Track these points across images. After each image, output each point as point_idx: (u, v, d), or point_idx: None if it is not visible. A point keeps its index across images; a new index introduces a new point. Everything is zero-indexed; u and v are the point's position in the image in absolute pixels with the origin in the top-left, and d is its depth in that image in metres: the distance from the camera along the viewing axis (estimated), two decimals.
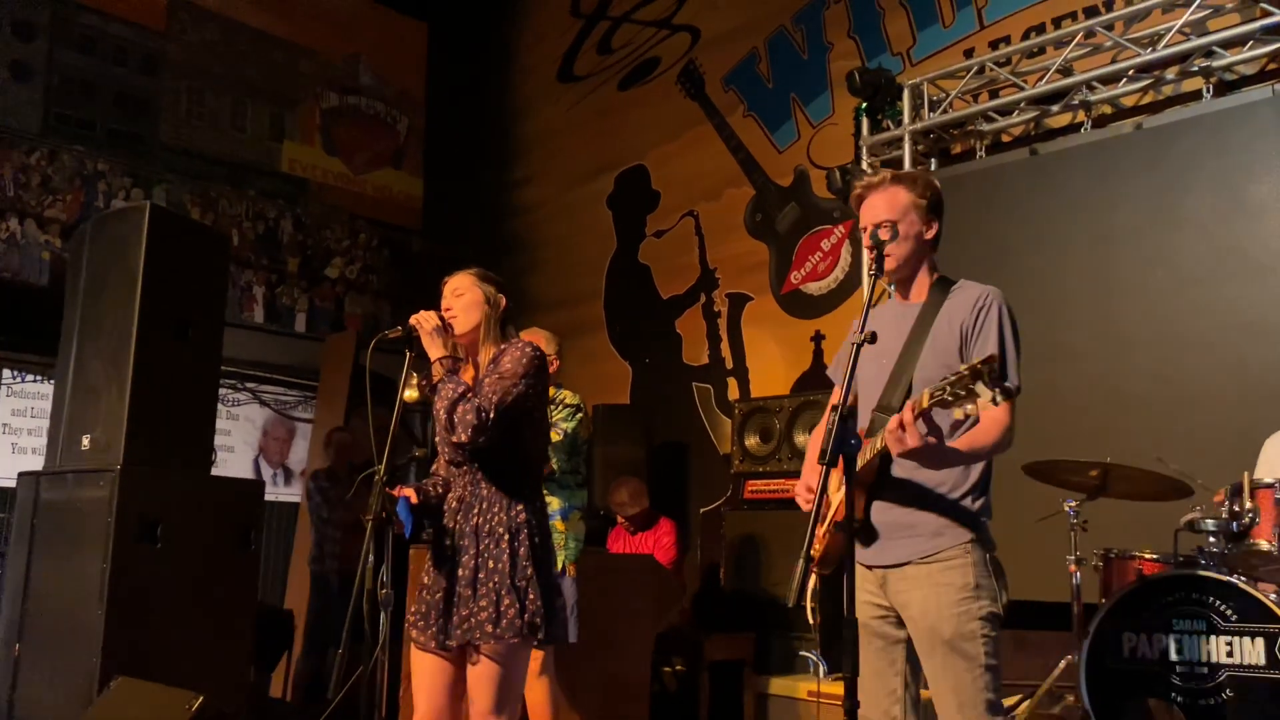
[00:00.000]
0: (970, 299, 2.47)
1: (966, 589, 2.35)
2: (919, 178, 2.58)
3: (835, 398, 2.64)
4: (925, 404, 2.17)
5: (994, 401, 2.05)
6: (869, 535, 2.45)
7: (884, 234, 2.47)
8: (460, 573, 2.63)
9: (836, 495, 2.43)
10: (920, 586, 2.38)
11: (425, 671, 2.69)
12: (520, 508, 2.67)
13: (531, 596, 2.59)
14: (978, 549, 2.40)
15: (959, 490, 2.43)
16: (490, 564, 2.62)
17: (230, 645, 4.04)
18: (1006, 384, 2.08)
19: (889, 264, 2.50)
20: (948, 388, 2.10)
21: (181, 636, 3.80)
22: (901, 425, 2.18)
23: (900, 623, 2.48)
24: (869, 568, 2.48)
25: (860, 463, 2.34)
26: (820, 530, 2.50)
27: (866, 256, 2.55)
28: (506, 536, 2.63)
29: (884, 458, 2.38)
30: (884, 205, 2.52)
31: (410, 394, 2.93)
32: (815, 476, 2.53)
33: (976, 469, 2.45)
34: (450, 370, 2.66)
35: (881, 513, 2.46)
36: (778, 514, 5.52)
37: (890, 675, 2.47)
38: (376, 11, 9.21)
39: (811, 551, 2.53)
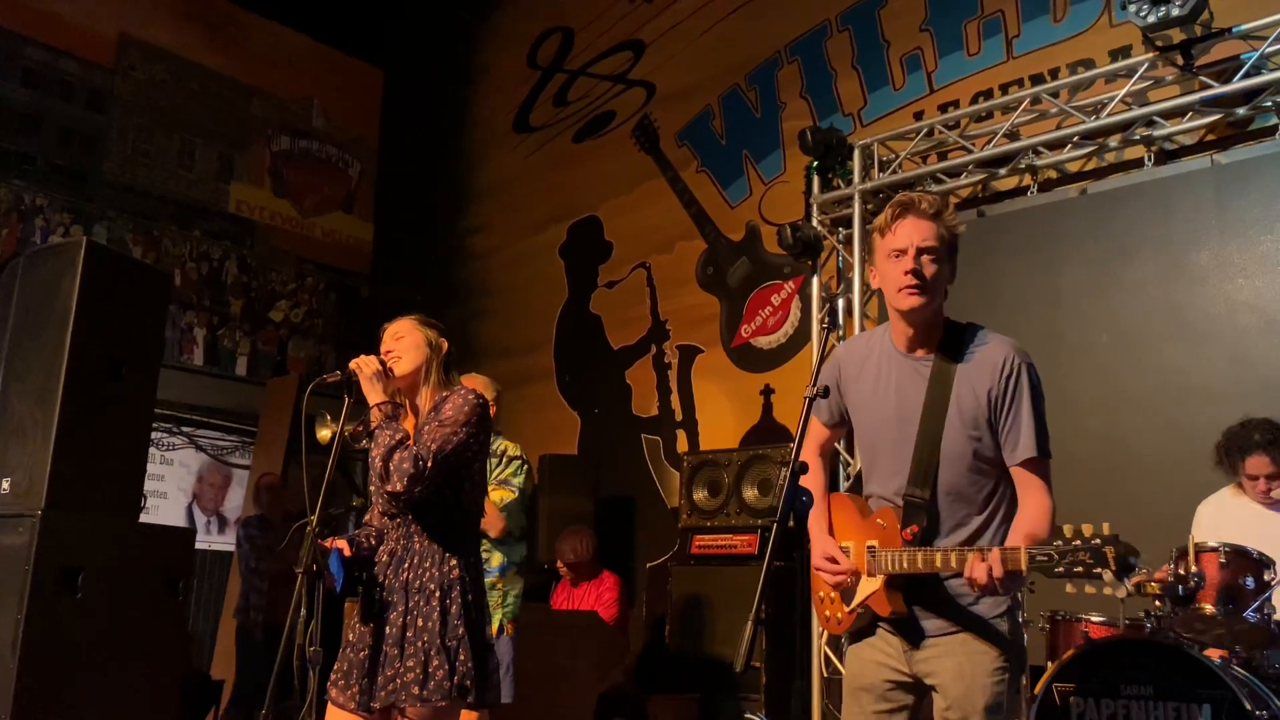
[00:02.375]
0: (995, 361, 2.24)
1: (1001, 659, 2.23)
2: (952, 215, 2.33)
3: (815, 431, 2.56)
4: (1023, 567, 2.02)
5: (1125, 593, 1.90)
6: (901, 623, 2.30)
7: (929, 263, 2.24)
8: (388, 630, 2.51)
9: (870, 583, 2.30)
10: (955, 654, 2.24)
11: None
12: (454, 563, 2.56)
13: (462, 657, 2.47)
14: (1011, 617, 2.29)
15: None
16: (420, 622, 2.50)
17: (154, 701, 3.86)
18: (1130, 561, 1.92)
19: (917, 299, 2.24)
20: (1055, 556, 1.96)
21: (102, 692, 3.62)
22: (989, 578, 2.05)
23: (911, 690, 2.33)
24: (895, 633, 2.33)
25: (905, 567, 2.21)
26: (849, 607, 2.38)
27: (899, 278, 2.25)
28: (438, 594, 2.52)
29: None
30: (930, 233, 2.25)
31: (323, 434, 2.84)
32: (833, 544, 2.39)
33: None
34: (389, 416, 2.57)
35: (918, 603, 2.29)
36: (726, 570, 5.45)
37: None
38: (332, 56, 9.18)
39: (835, 625, 2.41)
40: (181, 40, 8.20)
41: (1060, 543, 1.96)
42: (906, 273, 2.22)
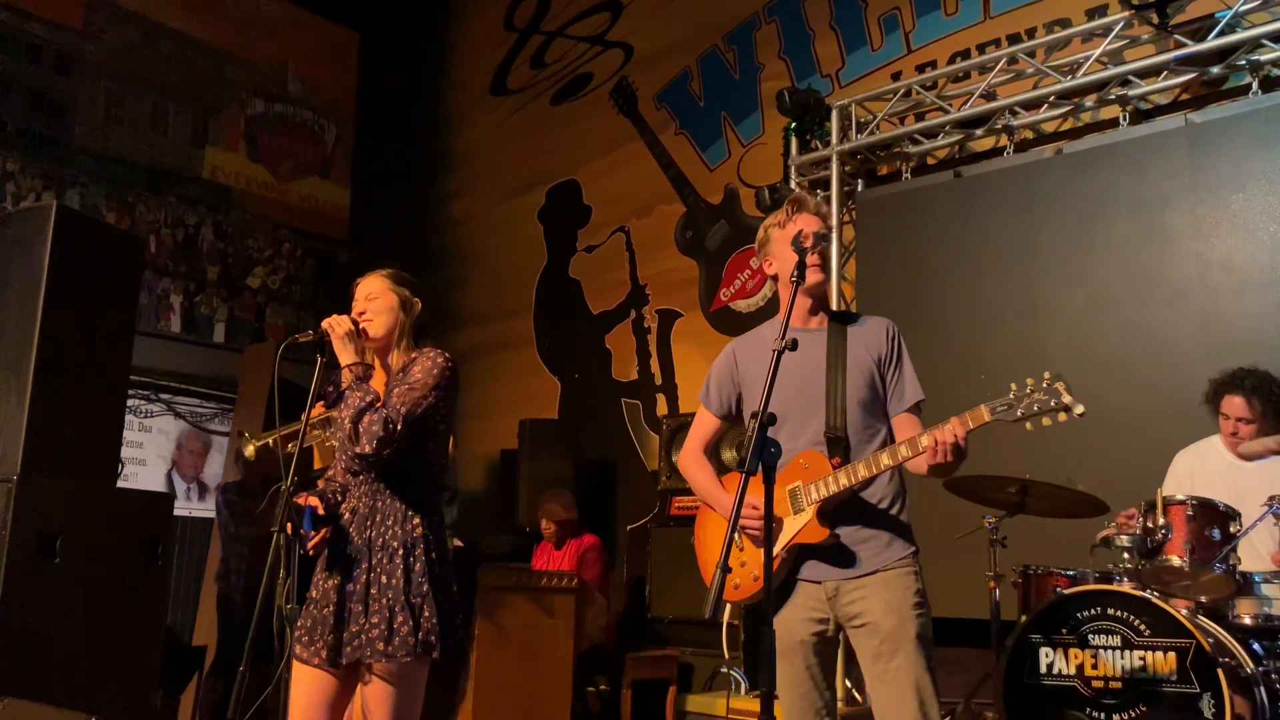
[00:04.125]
0: (880, 328, 2.65)
1: (919, 594, 2.48)
2: (828, 214, 2.79)
3: (706, 423, 2.81)
4: (987, 419, 2.33)
5: (1082, 414, 2.24)
6: (831, 550, 2.48)
7: (824, 248, 2.59)
8: (351, 587, 2.53)
9: (796, 520, 2.49)
10: (880, 593, 2.45)
11: (304, 687, 2.56)
12: (417, 521, 2.58)
13: (427, 614, 2.50)
14: (917, 559, 2.54)
15: (897, 504, 2.56)
16: (384, 579, 2.52)
17: (134, 666, 3.86)
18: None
19: (820, 275, 2.59)
20: (1013, 403, 2.29)
21: (81, 657, 3.63)
22: (955, 441, 2.33)
23: (834, 638, 2.52)
24: (816, 582, 2.50)
25: (844, 483, 2.44)
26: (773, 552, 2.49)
27: (788, 259, 2.56)
28: (401, 551, 2.53)
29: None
30: (822, 225, 2.64)
31: (248, 450, 2.88)
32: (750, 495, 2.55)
33: (900, 483, 2.59)
34: (359, 378, 2.57)
35: (839, 528, 2.49)
36: None
37: (819, 694, 2.50)
38: (307, 19, 9.05)
39: (734, 565, 2.52)
40: (152, 2, 8.06)
41: (1011, 395, 2.32)
42: (810, 249, 2.54)
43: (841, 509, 2.50)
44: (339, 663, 2.51)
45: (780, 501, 2.50)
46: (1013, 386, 2.31)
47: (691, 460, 2.84)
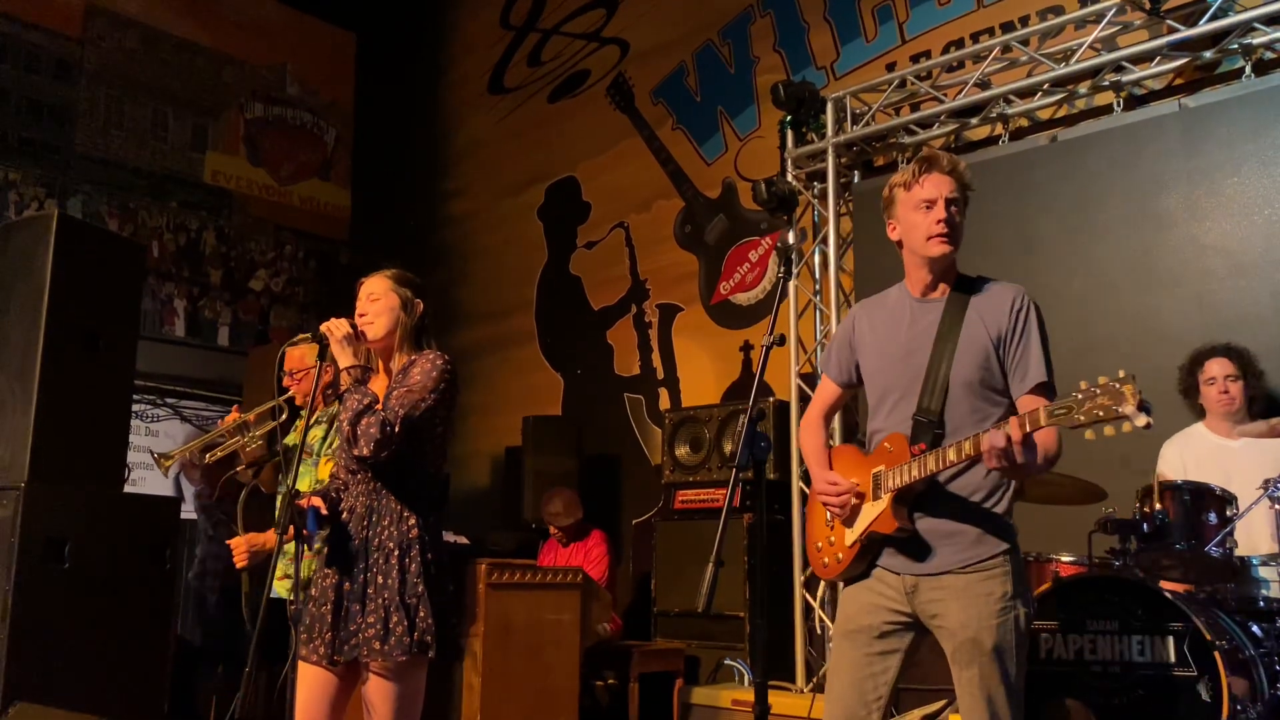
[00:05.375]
0: (1005, 300, 2.41)
1: (1005, 598, 2.28)
2: (965, 169, 2.49)
3: (826, 390, 2.67)
4: (1043, 423, 2.08)
5: (1148, 426, 1.93)
6: (910, 542, 2.35)
7: (956, 212, 2.42)
8: (348, 586, 2.57)
9: (874, 506, 2.36)
10: (959, 597, 2.29)
11: (305, 683, 2.60)
12: (413, 522, 2.61)
13: (422, 614, 2.53)
14: (1013, 557, 2.34)
15: (994, 496, 2.36)
16: (380, 580, 2.55)
17: (144, 669, 3.91)
18: (1146, 401, 1.95)
19: (947, 247, 2.40)
20: (1074, 407, 2.01)
21: (92, 661, 3.67)
22: (1008, 442, 2.10)
23: (910, 629, 2.39)
24: (896, 573, 2.37)
25: (915, 475, 2.28)
26: (849, 538, 2.42)
27: (931, 227, 2.41)
28: (397, 552, 2.57)
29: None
30: (954, 186, 2.43)
31: (163, 468, 2.93)
32: (832, 472, 2.49)
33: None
34: (358, 380, 2.60)
35: (922, 519, 2.35)
36: (708, 524, 5.52)
37: (874, 686, 2.36)
38: (303, 21, 9.08)
39: (833, 558, 2.45)
40: (150, 8, 8.10)
41: (1076, 394, 2.03)
42: (940, 221, 2.39)
43: (924, 500, 2.33)
44: (336, 660, 2.55)
45: (864, 485, 2.41)
46: (1082, 385, 2.03)
47: (806, 427, 2.68)
